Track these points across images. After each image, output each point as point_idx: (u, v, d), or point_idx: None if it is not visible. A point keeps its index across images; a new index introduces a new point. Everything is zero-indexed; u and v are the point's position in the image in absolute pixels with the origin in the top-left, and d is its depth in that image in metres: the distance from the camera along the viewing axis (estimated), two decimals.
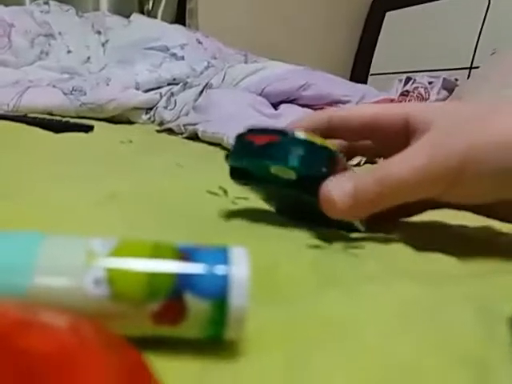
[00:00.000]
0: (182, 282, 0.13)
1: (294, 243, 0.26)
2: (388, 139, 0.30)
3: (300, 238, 0.28)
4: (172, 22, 1.45)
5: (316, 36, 1.97)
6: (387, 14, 2.00)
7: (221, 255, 0.14)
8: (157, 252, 0.14)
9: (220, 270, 0.14)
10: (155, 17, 1.51)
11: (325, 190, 0.27)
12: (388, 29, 1.99)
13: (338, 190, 0.27)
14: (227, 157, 0.31)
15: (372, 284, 0.22)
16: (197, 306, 0.13)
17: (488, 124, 0.26)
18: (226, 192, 0.38)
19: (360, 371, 0.15)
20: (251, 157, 0.29)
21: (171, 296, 0.13)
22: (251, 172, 0.30)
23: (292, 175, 0.28)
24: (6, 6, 1.21)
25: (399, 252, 0.28)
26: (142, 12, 1.50)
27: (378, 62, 2.02)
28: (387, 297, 0.20)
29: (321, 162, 0.28)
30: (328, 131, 0.31)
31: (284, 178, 0.28)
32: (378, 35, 2.02)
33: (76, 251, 0.13)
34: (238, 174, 0.31)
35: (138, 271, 0.13)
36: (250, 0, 1.77)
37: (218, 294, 0.14)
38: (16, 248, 0.13)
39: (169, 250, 0.14)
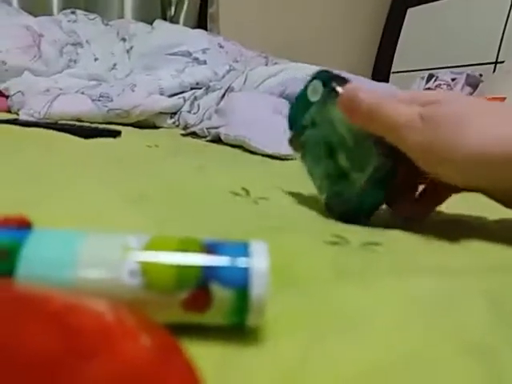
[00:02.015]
0: (208, 273, 0.15)
1: (313, 240, 0.27)
2: None
3: (318, 235, 0.29)
4: (194, 27, 1.48)
5: (337, 35, 1.96)
6: (409, 10, 1.97)
7: (242, 249, 0.16)
8: (184, 246, 0.15)
9: (242, 262, 0.15)
10: (177, 22, 1.54)
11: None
12: (410, 25, 1.96)
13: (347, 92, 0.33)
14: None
15: (388, 278, 0.23)
16: (221, 294, 0.15)
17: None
18: (248, 192, 0.40)
19: (371, 358, 0.16)
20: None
21: (198, 286, 0.15)
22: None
23: None
24: (35, 16, 1.26)
25: (416, 247, 0.28)
26: (164, 18, 1.53)
27: (399, 60, 1.99)
28: (402, 289, 0.21)
29: None
30: None
31: None
32: (400, 32, 2.00)
33: (113, 246, 0.15)
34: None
35: (168, 263, 0.15)
36: (270, 2, 1.78)
37: (241, 284, 0.15)
38: (62, 244, 0.15)
39: (195, 244, 0.16)
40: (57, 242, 0.15)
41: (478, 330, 0.18)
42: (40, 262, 0.14)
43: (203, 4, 1.58)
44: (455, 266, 0.25)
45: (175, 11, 1.55)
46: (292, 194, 0.40)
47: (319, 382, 0.15)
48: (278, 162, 0.66)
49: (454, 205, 0.36)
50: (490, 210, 0.35)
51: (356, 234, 0.30)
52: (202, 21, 1.58)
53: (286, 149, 0.68)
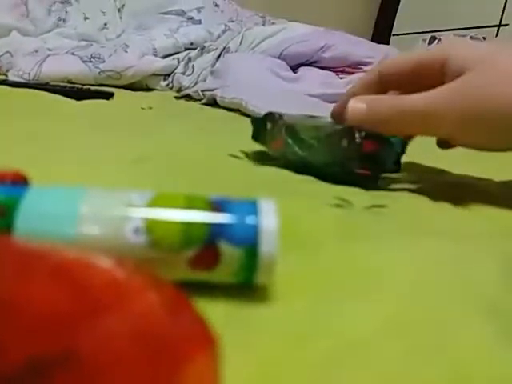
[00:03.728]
0: (216, 231, 0.14)
1: (317, 201, 0.27)
2: (431, 81, 0.31)
3: (322, 197, 0.28)
4: None
5: None
6: None
7: (251, 206, 0.15)
8: (190, 203, 0.15)
9: (251, 219, 0.15)
10: None
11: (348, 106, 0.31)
12: None
13: (353, 105, 0.31)
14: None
15: (396, 239, 0.22)
16: (230, 252, 0.14)
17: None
18: (248, 156, 0.39)
19: (384, 317, 0.16)
20: None
21: (206, 243, 0.14)
22: None
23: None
24: None
25: (424, 210, 0.28)
26: None
27: (400, 22, 1.93)
28: (411, 250, 0.21)
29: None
30: (380, 85, 0.34)
31: None
32: None
33: (116, 203, 0.14)
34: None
35: (175, 221, 0.14)
36: None
37: (250, 241, 0.14)
38: (62, 200, 0.14)
39: (201, 201, 0.15)
40: (56, 198, 0.14)
41: (491, 291, 0.18)
42: (39, 218, 0.13)
43: None
44: (464, 228, 0.25)
45: None
46: None
47: (330, 341, 0.14)
48: None
49: (453, 165, 0.36)
50: (489, 170, 0.35)
51: (358, 196, 0.29)
52: None
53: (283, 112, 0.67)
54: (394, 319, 0.16)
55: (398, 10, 1.94)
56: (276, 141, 0.36)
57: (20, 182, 0.14)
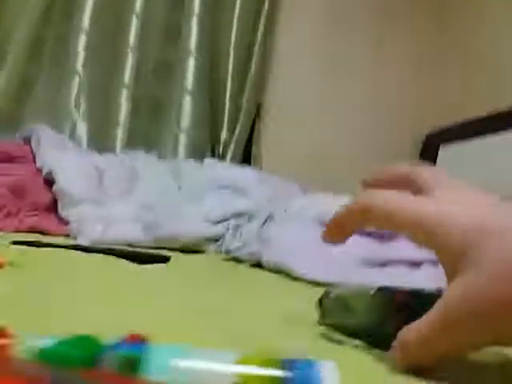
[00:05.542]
0: None
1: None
2: None
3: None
4: (239, 163, 1.63)
5: (369, 168, 2.04)
6: (441, 147, 1.89)
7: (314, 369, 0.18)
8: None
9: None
10: (224, 158, 1.70)
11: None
12: (443, 163, 1.86)
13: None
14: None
15: None
16: None
17: None
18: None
19: None
20: None
21: None
22: None
23: None
24: (100, 154, 1.43)
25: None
26: (213, 154, 1.70)
27: None
28: None
29: None
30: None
31: None
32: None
33: (216, 360, 0.18)
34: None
35: (262, 376, 0.17)
36: (307, 145, 1.92)
37: None
38: (176, 355, 0.18)
39: (276, 363, 0.18)
40: (171, 354, 0.18)
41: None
42: (159, 369, 0.17)
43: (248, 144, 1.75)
44: None
45: (223, 150, 1.72)
46: None
47: None
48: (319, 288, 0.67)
49: None
50: None
51: None
52: (246, 158, 1.73)
53: (329, 276, 0.70)
54: None
55: None
56: (331, 316, 0.37)
57: (142, 341, 0.18)
